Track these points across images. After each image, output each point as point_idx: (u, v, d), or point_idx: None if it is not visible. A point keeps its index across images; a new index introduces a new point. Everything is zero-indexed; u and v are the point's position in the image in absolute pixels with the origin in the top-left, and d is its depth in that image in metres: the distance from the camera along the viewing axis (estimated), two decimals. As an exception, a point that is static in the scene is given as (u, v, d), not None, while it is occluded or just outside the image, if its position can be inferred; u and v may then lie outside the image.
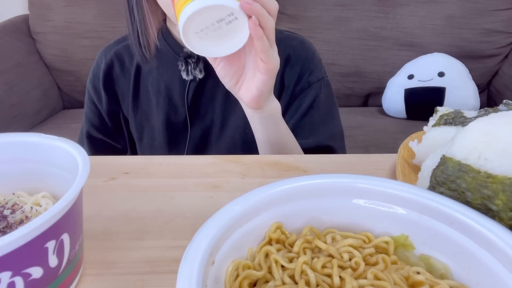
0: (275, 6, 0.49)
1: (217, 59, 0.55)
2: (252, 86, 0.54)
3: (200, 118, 0.76)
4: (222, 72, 0.56)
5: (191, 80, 0.73)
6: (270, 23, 0.48)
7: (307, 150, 0.68)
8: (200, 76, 0.71)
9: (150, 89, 0.76)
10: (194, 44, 0.47)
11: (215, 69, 0.56)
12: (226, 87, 0.58)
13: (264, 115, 0.59)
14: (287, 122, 0.73)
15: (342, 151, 0.74)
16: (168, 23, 0.74)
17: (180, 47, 0.72)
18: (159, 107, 0.76)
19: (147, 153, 0.79)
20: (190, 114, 0.75)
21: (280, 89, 0.74)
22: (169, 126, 0.76)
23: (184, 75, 0.71)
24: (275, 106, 0.60)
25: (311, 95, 0.73)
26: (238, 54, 0.54)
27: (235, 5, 0.44)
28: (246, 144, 0.74)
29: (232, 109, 0.74)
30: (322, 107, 0.74)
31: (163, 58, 0.73)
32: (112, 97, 0.77)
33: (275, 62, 0.52)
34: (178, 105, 0.75)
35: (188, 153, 0.77)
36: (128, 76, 0.76)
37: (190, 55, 0.70)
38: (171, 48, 0.73)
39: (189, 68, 0.70)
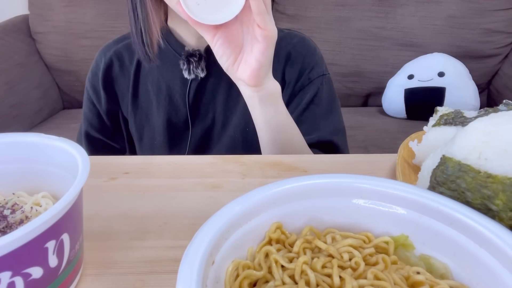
0: None
1: (215, 37, 0.56)
2: (251, 59, 0.55)
3: (201, 118, 0.76)
4: (220, 51, 0.56)
5: (192, 79, 0.73)
6: None
7: (308, 145, 0.68)
8: (202, 75, 0.71)
9: (150, 88, 0.76)
10: (193, 10, 0.50)
11: (212, 48, 0.57)
12: (224, 68, 0.58)
13: (263, 94, 0.59)
14: None
15: (344, 146, 0.74)
16: (169, 23, 0.74)
17: (182, 46, 0.72)
18: (159, 106, 0.76)
19: (148, 153, 0.79)
20: (191, 113, 0.75)
21: (281, 86, 0.74)
22: (170, 125, 0.76)
23: (185, 74, 0.71)
24: (275, 85, 0.60)
25: (312, 90, 0.73)
26: (236, 31, 0.55)
27: None
28: (247, 143, 0.74)
29: (234, 108, 0.74)
30: (323, 103, 0.74)
31: (164, 57, 0.73)
32: (111, 97, 0.77)
33: (273, 28, 0.53)
34: (179, 105, 0.75)
35: (189, 153, 0.77)
36: (127, 76, 0.76)
37: (192, 53, 0.70)
38: (172, 48, 0.73)
39: (191, 67, 0.70)
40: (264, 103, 0.60)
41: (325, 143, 0.71)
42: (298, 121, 0.71)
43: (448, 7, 1.53)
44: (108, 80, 0.76)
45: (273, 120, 0.62)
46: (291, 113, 0.72)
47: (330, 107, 0.75)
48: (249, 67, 0.56)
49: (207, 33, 0.56)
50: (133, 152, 0.83)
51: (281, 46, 0.73)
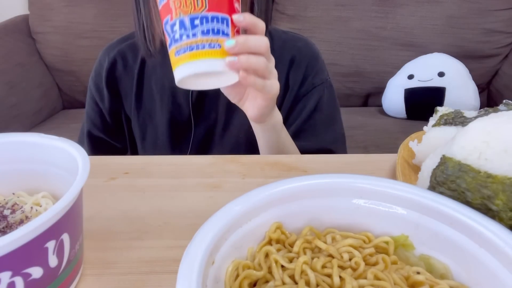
0: (263, 44, 0.48)
1: None
2: (254, 107, 0.56)
3: (204, 117, 0.76)
4: (226, 91, 0.58)
5: None
6: (260, 65, 0.48)
7: (308, 152, 0.69)
8: None
9: (153, 88, 0.76)
10: (188, 85, 0.49)
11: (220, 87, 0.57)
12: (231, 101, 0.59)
13: (266, 127, 0.61)
14: (291, 124, 0.73)
15: (343, 153, 0.75)
16: None
17: None
18: (163, 106, 0.76)
19: (150, 152, 0.79)
20: (194, 113, 0.75)
21: (284, 90, 0.74)
22: (173, 125, 0.76)
23: None
24: (277, 118, 0.61)
25: (315, 97, 0.74)
26: None
27: (222, 66, 0.45)
28: (250, 143, 0.74)
29: (236, 108, 0.74)
30: (325, 109, 0.74)
31: (167, 56, 0.73)
32: (115, 96, 0.77)
33: (274, 91, 0.53)
34: (182, 104, 0.75)
35: (191, 152, 0.77)
36: (131, 75, 0.77)
37: None
38: None
39: None
40: (266, 132, 0.62)
41: (325, 152, 0.72)
42: (301, 128, 0.72)
43: (448, 7, 1.53)
44: (112, 79, 0.77)
45: (274, 143, 0.64)
46: (294, 119, 0.74)
47: (331, 114, 0.76)
48: (252, 111, 0.57)
49: None
50: (134, 151, 0.83)
51: (285, 49, 0.73)
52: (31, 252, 0.27)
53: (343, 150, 0.75)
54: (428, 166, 0.39)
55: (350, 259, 0.30)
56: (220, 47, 0.44)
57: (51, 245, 0.29)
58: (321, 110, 0.74)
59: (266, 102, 0.54)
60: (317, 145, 0.72)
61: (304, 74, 0.74)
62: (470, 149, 0.34)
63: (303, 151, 0.69)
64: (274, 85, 0.53)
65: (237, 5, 0.46)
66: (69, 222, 0.31)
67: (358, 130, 1.39)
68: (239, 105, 0.58)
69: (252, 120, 0.59)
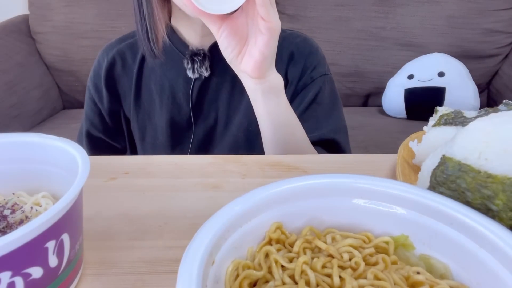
0: None
1: (221, 28, 0.56)
2: (254, 51, 0.55)
3: (204, 117, 0.76)
4: (225, 42, 0.57)
5: (195, 79, 0.73)
6: None
7: (312, 144, 0.68)
8: (206, 74, 0.72)
9: (153, 87, 0.76)
10: (199, 0, 0.51)
11: (218, 40, 0.57)
12: (228, 60, 0.59)
13: (266, 86, 0.60)
14: None
15: (346, 144, 0.74)
16: (173, 22, 0.74)
17: (185, 45, 0.72)
18: (162, 106, 0.76)
19: (150, 152, 0.79)
20: (194, 112, 0.75)
21: (284, 85, 0.74)
22: (173, 124, 0.76)
23: (189, 74, 0.71)
24: (278, 78, 0.61)
25: (314, 89, 0.74)
26: (241, 23, 0.56)
27: None
28: (250, 143, 0.74)
29: (236, 108, 0.74)
30: (325, 102, 0.74)
31: (167, 56, 0.73)
32: (114, 96, 0.77)
33: (276, 21, 0.54)
34: (182, 104, 0.75)
35: (191, 152, 0.77)
36: (130, 75, 0.77)
37: (196, 53, 0.71)
38: (176, 47, 0.73)
39: (195, 66, 0.71)
40: (266, 96, 0.60)
41: (327, 141, 0.71)
42: (300, 119, 0.71)
43: (448, 7, 1.53)
44: (111, 79, 0.77)
45: (276, 114, 0.62)
46: (293, 111, 0.73)
47: (332, 106, 0.75)
48: (252, 59, 0.56)
49: (212, 25, 0.56)
50: (134, 151, 0.83)
51: (283, 46, 0.74)
52: (31, 252, 0.27)
53: (346, 141, 0.75)
54: (428, 166, 0.39)
55: (350, 259, 0.30)
56: None
57: (51, 245, 0.29)
58: (321, 103, 0.74)
59: (268, 36, 0.54)
60: (319, 135, 0.71)
61: (302, 69, 0.74)
62: (470, 149, 0.34)
63: None
64: (276, 16, 0.54)
65: None
66: (69, 222, 0.31)
67: (358, 130, 1.39)
68: (237, 62, 0.58)
69: (251, 74, 0.58)
